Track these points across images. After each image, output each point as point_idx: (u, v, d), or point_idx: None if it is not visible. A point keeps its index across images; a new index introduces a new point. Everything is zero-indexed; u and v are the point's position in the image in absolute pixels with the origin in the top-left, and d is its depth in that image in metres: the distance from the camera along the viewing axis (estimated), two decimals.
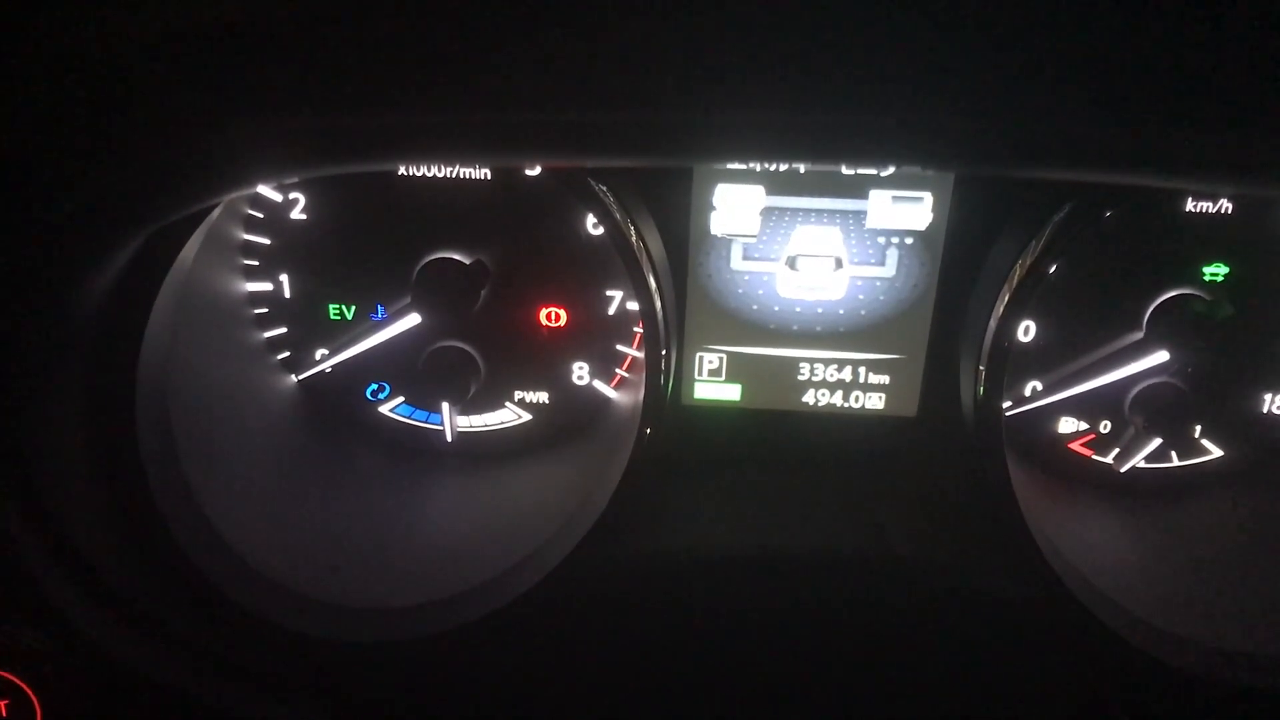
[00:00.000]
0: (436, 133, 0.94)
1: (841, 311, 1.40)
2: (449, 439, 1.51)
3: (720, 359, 1.43)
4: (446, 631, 1.30)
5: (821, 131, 0.93)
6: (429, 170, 1.34)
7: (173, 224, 1.06)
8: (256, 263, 1.41)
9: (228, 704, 1.27)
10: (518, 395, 1.51)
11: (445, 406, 1.48)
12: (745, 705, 1.36)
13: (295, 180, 1.35)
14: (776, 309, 1.40)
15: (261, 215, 1.38)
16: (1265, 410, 1.44)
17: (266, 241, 1.40)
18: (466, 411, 1.52)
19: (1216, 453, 1.48)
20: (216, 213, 1.25)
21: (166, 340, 1.24)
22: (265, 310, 1.44)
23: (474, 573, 1.35)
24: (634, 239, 1.24)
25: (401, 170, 1.33)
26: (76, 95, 0.91)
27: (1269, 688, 1.27)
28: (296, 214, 1.38)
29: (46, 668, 1.18)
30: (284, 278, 1.42)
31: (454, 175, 1.34)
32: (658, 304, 1.26)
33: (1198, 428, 1.45)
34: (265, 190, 1.36)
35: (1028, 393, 1.44)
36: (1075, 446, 1.49)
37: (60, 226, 0.97)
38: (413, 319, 1.41)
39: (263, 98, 0.92)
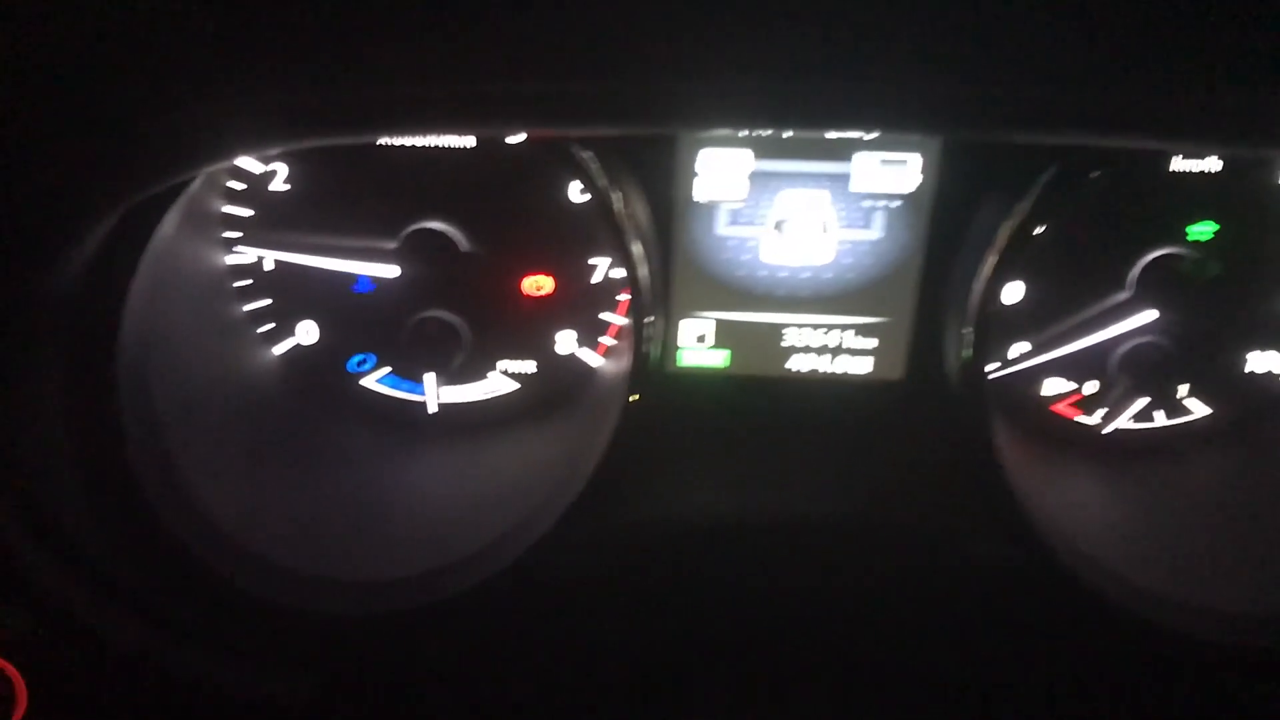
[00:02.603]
0: (417, 104, 0.93)
1: (828, 275, 1.39)
2: (431, 410, 1.50)
3: (707, 326, 1.43)
4: (434, 603, 1.30)
5: (806, 98, 0.93)
6: (411, 138, 1.32)
7: (151, 197, 1.05)
8: (237, 235, 1.40)
9: (216, 680, 1.27)
10: (503, 365, 1.50)
11: (429, 377, 1.47)
12: (734, 669, 1.37)
13: (276, 152, 1.34)
14: (762, 274, 1.39)
15: (242, 187, 1.37)
16: (1250, 369, 1.45)
17: (247, 213, 1.38)
18: (453, 382, 1.51)
19: (1202, 412, 1.49)
20: (196, 185, 1.24)
21: (146, 314, 1.23)
22: (247, 283, 1.43)
23: (461, 544, 1.34)
24: (618, 206, 1.23)
25: (383, 139, 1.32)
26: (52, 67, 0.89)
27: (1255, 646, 1.28)
28: (277, 185, 1.37)
29: (31, 650, 1.17)
30: (265, 249, 1.41)
31: (436, 144, 1.33)
32: (642, 271, 1.25)
33: (1184, 386, 1.46)
34: (245, 161, 1.34)
35: (1014, 354, 1.44)
36: (1061, 408, 1.49)
37: (37, 200, 0.96)
38: (392, 270, 1.40)
39: (242, 69, 0.91)
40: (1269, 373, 1.45)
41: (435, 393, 1.48)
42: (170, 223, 1.21)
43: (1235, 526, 1.41)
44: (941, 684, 1.36)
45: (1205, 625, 1.30)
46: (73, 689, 1.21)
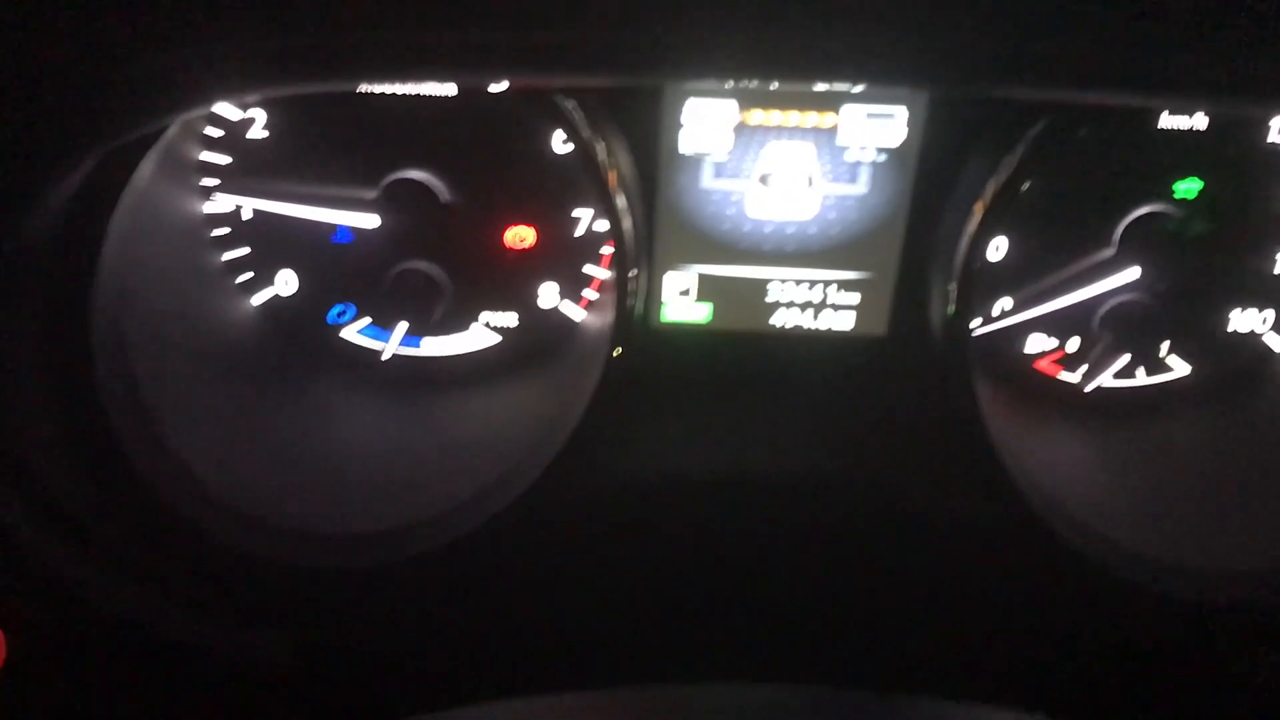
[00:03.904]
0: (398, 51, 0.92)
1: (813, 230, 1.38)
2: (385, 358, 1.49)
3: (690, 280, 1.42)
4: (415, 556, 1.30)
5: (793, 49, 0.92)
6: (391, 86, 1.30)
7: (127, 143, 1.03)
8: (215, 182, 1.38)
9: (194, 634, 1.27)
10: (486, 318, 1.49)
11: (399, 326, 1.45)
12: (714, 623, 1.37)
13: (254, 98, 1.31)
14: (747, 228, 1.38)
15: (219, 133, 1.35)
16: (1232, 328, 1.45)
17: (225, 160, 1.36)
18: (435, 333, 1.50)
19: (1183, 370, 1.49)
20: (172, 131, 1.22)
21: (122, 262, 1.22)
22: (225, 231, 1.41)
23: (443, 497, 1.34)
24: (601, 157, 1.22)
25: (363, 87, 1.30)
26: (28, 9, 0.87)
27: (1229, 603, 1.30)
28: (255, 132, 1.35)
29: (9, 602, 1.17)
30: (244, 198, 1.39)
31: (417, 92, 1.31)
32: (626, 224, 1.24)
33: (1166, 344, 1.46)
34: (223, 108, 1.32)
35: (998, 311, 1.44)
36: (1044, 365, 1.50)
37: (11, 145, 0.94)
38: (372, 220, 1.39)
39: (220, 13, 0.89)
40: (1250, 332, 1.46)
41: (398, 340, 1.47)
42: (146, 169, 1.19)
43: (1214, 484, 1.42)
44: (920, 636, 1.37)
45: (1182, 581, 1.31)
46: (51, 641, 1.21)
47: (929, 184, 1.34)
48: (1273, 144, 1.33)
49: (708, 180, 1.35)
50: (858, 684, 1.24)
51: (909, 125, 1.31)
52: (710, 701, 1.25)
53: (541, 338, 1.51)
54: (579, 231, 1.42)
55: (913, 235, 1.37)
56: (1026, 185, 1.20)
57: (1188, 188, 1.34)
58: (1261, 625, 1.31)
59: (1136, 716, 1.36)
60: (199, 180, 1.37)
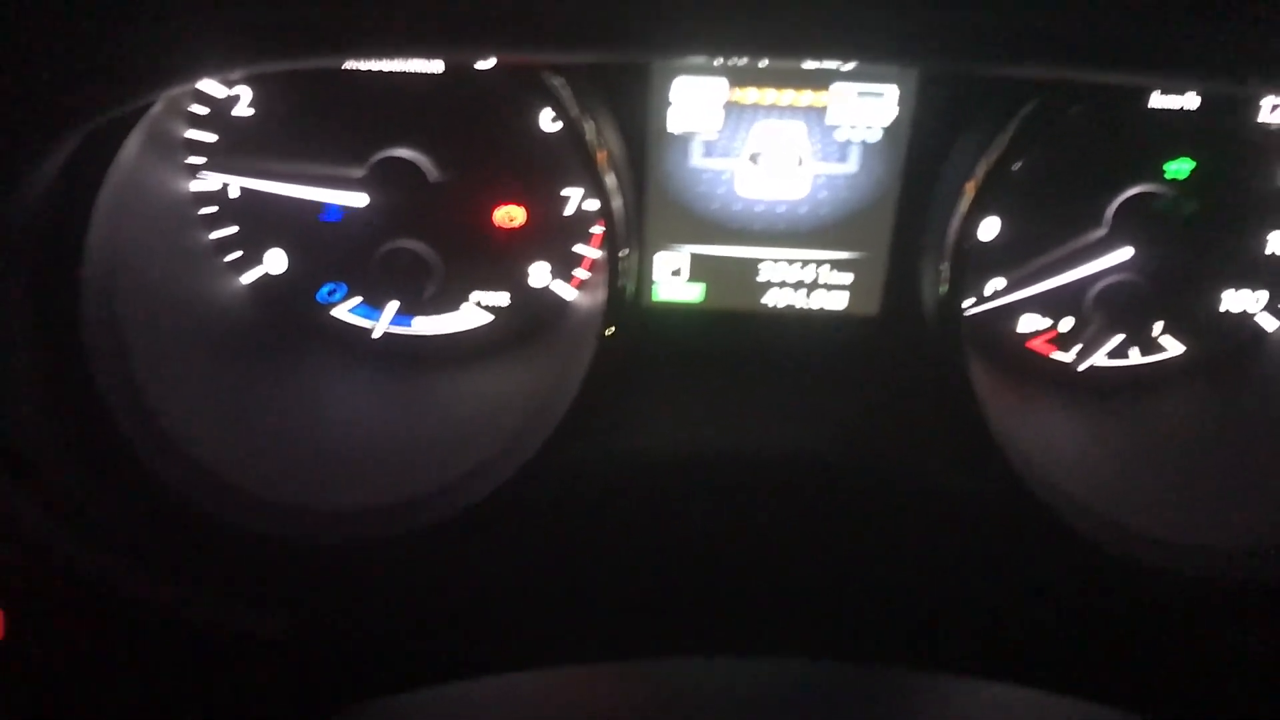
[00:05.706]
0: (385, 26, 0.91)
1: (804, 210, 1.38)
2: (375, 336, 1.49)
3: (682, 259, 1.41)
4: (407, 534, 1.30)
5: (782, 25, 0.91)
6: (379, 63, 1.29)
7: (111, 122, 1.03)
8: (201, 160, 1.37)
9: (191, 612, 1.27)
10: (477, 297, 1.49)
11: (390, 305, 1.45)
12: (706, 600, 1.37)
13: (240, 75, 1.30)
14: (738, 207, 1.38)
15: (205, 111, 1.34)
16: (1225, 307, 1.45)
17: (211, 138, 1.36)
18: (426, 312, 1.50)
19: (1176, 350, 1.49)
20: (157, 109, 1.21)
21: (110, 242, 1.21)
22: (212, 210, 1.41)
23: (437, 474, 1.34)
24: (590, 135, 1.21)
25: (350, 63, 1.29)
26: None
27: (1222, 579, 1.30)
28: (241, 110, 1.34)
29: (7, 579, 1.17)
30: (231, 176, 1.38)
31: (405, 69, 1.30)
32: (616, 203, 1.23)
33: (1159, 324, 1.46)
34: (208, 85, 1.31)
35: (990, 290, 1.43)
36: (1037, 344, 1.49)
37: None
38: (360, 199, 1.38)
39: None
40: (1243, 311, 1.45)
41: (388, 319, 1.46)
42: (132, 148, 1.19)
43: (1206, 463, 1.42)
44: (914, 615, 1.38)
45: (1176, 557, 1.31)
46: (47, 617, 1.21)
47: (920, 163, 1.33)
48: (1263, 123, 1.32)
49: (697, 159, 1.35)
50: (849, 658, 1.25)
51: (900, 104, 1.30)
52: (700, 677, 1.25)
53: (533, 317, 1.50)
54: (569, 210, 1.41)
55: (904, 215, 1.37)
56: (1018, 165, 1.20)
57: (1179, 168, 1.34)
58: (1254, 601, 1.31)
59: (1130, 689, 1.37)
60: (185, 158, 1.36)
